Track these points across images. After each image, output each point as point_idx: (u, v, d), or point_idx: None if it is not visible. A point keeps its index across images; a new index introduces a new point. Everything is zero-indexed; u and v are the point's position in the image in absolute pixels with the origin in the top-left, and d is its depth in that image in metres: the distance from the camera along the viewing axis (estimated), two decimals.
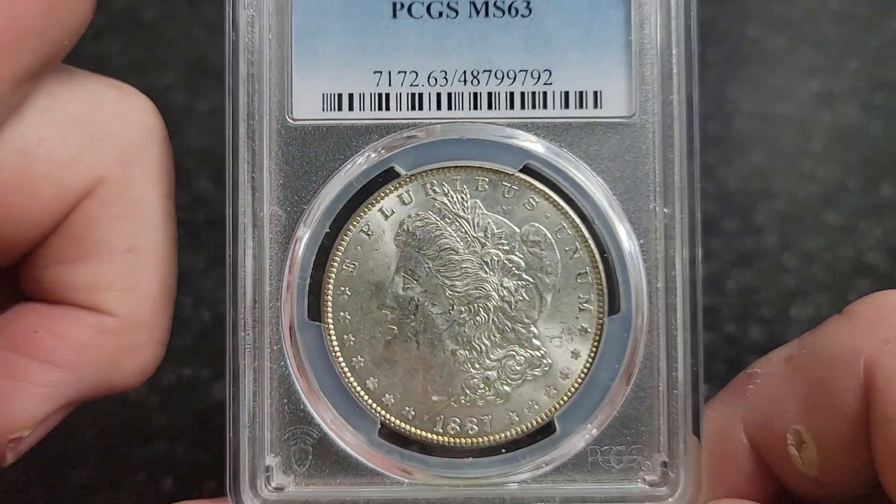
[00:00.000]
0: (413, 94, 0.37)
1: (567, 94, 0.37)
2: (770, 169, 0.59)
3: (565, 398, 0.37)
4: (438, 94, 0.37)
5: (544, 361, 0.37)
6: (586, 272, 0.37)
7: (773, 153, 0.59)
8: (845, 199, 0.58)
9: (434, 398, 0.37)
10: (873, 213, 0.58)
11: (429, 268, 0.37)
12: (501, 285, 0.37)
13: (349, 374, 0.37)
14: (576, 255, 0.37)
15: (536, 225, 0.37)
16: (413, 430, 0.37)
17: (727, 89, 0.60)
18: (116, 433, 0.50)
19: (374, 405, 0.37)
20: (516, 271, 0.37)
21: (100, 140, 0.36)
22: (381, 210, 0.37)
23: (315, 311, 0.37)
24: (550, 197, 0.37)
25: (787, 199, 0.58)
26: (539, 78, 0.37)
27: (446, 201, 0.37)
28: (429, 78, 0.37)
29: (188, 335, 0.51)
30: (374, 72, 0.37)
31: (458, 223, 0.37)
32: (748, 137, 0.59)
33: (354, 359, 0.37)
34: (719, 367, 0.53)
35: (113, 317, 0.36)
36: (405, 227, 0.37)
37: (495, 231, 0.37)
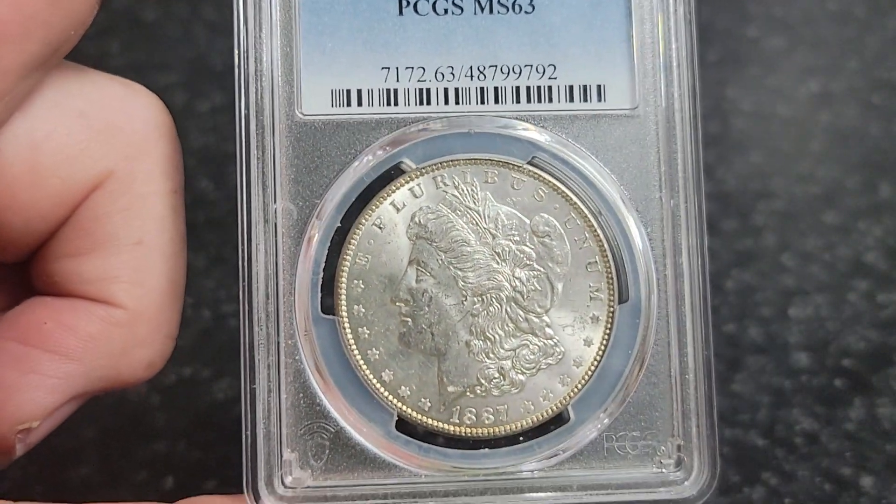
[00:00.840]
0: (421, 90, 0.39)
1: (571, 87, 0.40)
2: (769, 169, 0.61)
3: (579, 386, 0.39)
4: (446, 90, 0.39)
5: (557, 350, 0.39)
6: (596, 261, 0.39)
7: (772, 153, 0.61)
8: (844, 199, 0.60)
9: (450, 389, 0.39)
10: (872, 213, 0.60)
11: (441, 260, 0.39)
12: (513, 276, 0.39)
13: (364, 367, 0.38)
14: (585, 245, 0.39)
15: (546, 216, 0.39)
16: (430, 421, 0.39)
17: (726, 89, 0.62)
18: (117, 432, 0.51)
19: (391, 397, 0.39)
20: (527, 261, 0.39)
21: (108, 135, 0.38)
22: (392, 203, 0.39)
23: (329, 304, 0.39)
24: (559, 188, 0.39)
25: (786, 199, 0.60)
26: (544, 72, 0.40)
27: (457, 194, 0.39)
28: (436, 73, 0.39)
29: (189, 335, 0.52)
30: (382, 68, 0.39)
31: (469, 215, 0.39)
32: (747, 137, 0.61)
33: (369, 351, 0.39)
34: (719, 366, 0.54)
35: (121, 309, 0.38)
36: (417, 219, 0.39)
37: (506, 222, 0.39)
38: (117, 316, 0.38)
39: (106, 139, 0.38)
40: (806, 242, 0.59)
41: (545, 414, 0.39)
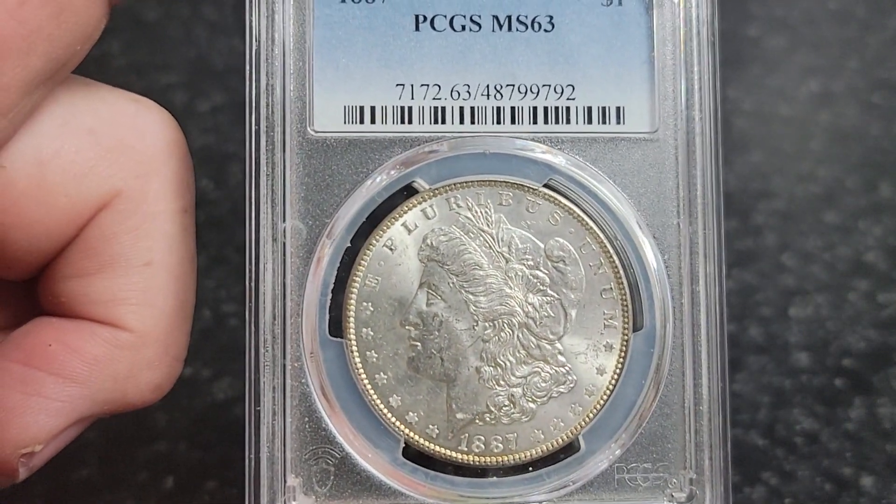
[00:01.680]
0: (436, 108, 0.37)
1: (590, 109, 0.37)
2: (769, 169, 0.59)
3: (591, 415, 0.37)
4: (461, 108, 0.37)
5: (570, 378, 0.37)
6: (611, 288, 0.37)
7: (773, 153, 0.59)
8: (844, 198, 0.58)
9: (459, 416, 0.37)
10: (872, 213, 0.58)
11: (452, 283, 0.37)
12: (526, 301, 0.37)
13: (372, 392, 0.36)
14: (600, 271, 0.37)
15: (561, 240, 0.37)
16: (437, 448, 0.37)
17: (727, 89, 0.60)
18: (118, 433, 0.49)
19: (398, 423, 0.36)
20: (541, 287, 0.37)
21: (117, 153, 0.36)
22: (404, 224, 0.37)
23: (337, 327, 0.37)
24: (574, 212, 0.37)
25: (787, 198, 0.58)
26: (562, 93, 0.37)
27: (470, 216, 0.37)
28: (452, 91, 0.37)
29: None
30: (397, 84, 0.37)
31: (482, 238, 0.37)
32: (748, 137, 0.60)
33: (377, 376, 0.36)
34: None
35: (128, 331, 0.36)
36: (428, 241, 0.37)
37: (520, 246, 0.37)
38: (123, 338, 0.36)
39: (115, 157, 0.36)
40: (806, 242, 0.57)
41: (555, 443, 0.37)
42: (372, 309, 0.36)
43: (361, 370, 0.36)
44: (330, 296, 0.37)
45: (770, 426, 0.51)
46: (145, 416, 0.50)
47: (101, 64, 0.57)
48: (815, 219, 0.57)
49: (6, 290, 0.39)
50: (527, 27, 0.37)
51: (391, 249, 0.37)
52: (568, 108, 0.37)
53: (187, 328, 0.37)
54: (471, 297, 0.37)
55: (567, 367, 0.37)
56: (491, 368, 0.37)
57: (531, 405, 0.37)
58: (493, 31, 0.37)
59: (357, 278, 0.36)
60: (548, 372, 0.37)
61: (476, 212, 0.37)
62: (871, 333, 0.54)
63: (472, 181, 0.37)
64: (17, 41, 0.32)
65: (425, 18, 0.37)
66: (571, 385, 0.37)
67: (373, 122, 0.37)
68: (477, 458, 0.37)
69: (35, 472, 0.36)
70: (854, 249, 0.57)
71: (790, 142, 0.60)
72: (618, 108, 0.37)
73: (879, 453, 0.50)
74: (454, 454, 0.36)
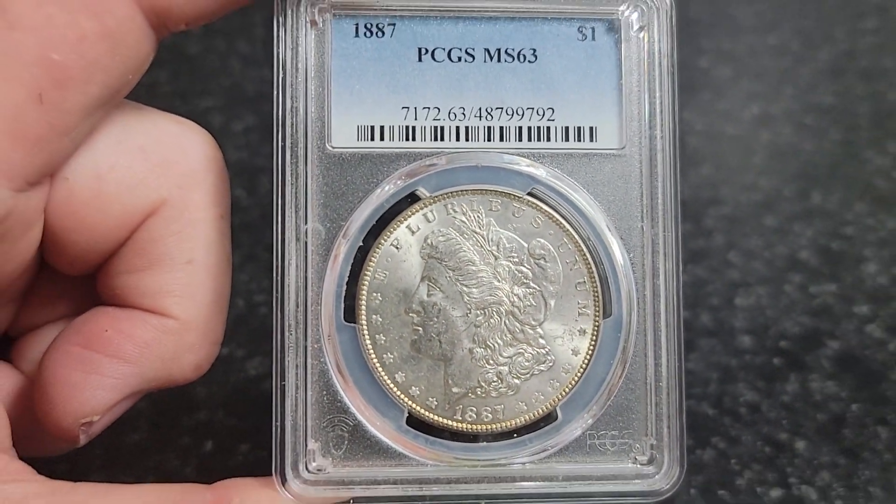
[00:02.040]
0: (436, 127, 0.37)
1: (567, 129, 0.38)
2: (718, 180, 0.60)
3: (567, 390, 0.37)
4: (457, 128, 0.38)
5: (549, 358, 0.37)
6: (584, 281, 0.37)
7: (721, 166, 0.60)
8: (781, 205, 0.59)
9: (454, 390, 0.37)
10: (805, 217, 0.59)
11: (449, 277, 0.37)
12: (512, 292, 0.37)
13: (380, 369, 0.37)
14: (575, 267, 0.37)
15: (542, 241, 0.37)
16: (436, 417, 0.37)
17: (683, 112, 0.60)
18: (164, 403, 0.50)
19: (402, 396, 0.37)
20: (524, 280, 0.37)
21: (163, 167, 0.36)
22: (408, 227, 0.37)
23: (350, 314, 0.37)
24: (554, 217, 0.38)
25: (733, 205, 0.59)
26: (544, 115, 0.38)
27: (465, 219, 0.37)
28: (449, 113, 0.38)
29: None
30: (402, 107, 0.37)
31: (474, 238, 0.37)
32: (699, 153, 0.60)
33: (385, 356, 0.37)
34: None
35: (173, 319, 0.37)
36: (429, 241, 0.37)
37: (507, 245, 0.37)
38: (169, 325, 0.37)
39: (162, 171, 0.36)
40: (749, 242, 0.58)
41: (537, 414, 0.37)
42: (381, 299, 0.37)
43: (371, 351, 0.37)
44: (345, 287, 0.37)
45: (718, 398, 0.52)
46: (188, 390, 0.49)
47: (150, 91, 0.57)
48: (757, 222, 0.58)
49: (69, 283, 0.39)
50: (513, 59, 0.38)
51: (397, 248, 0.37)
52: (548, 128, 0.38)
53: (223, 317, 0.38)
54: (465, 288, 0.37)
55: (547, 349, 0.37)
56: (482, 350, 0.37)
57: (516, 381, 0.37)
58: (485, 61, 0.38)
59: (368, 272, 0.37)
60: (530, 353, 0.37)
61: (469, 216, 0.37)
62: (805, 319, 0.55)
63: (466, 190, 0.37)
64: (78, 72, 0.33)
65: (427, 51, 0.38)
66: (550, 364, 0.37)
67: (382, 139, 0.37)
68: (470, 426, 0.37)
69: (94, 437, 0.37)
70: (790, 248, 0.57)
71: (735, 157, 0.60)
72: (591, 128, 0.38)
73: (811, 421, 0.51)
74: (450, 423, 0.37)
